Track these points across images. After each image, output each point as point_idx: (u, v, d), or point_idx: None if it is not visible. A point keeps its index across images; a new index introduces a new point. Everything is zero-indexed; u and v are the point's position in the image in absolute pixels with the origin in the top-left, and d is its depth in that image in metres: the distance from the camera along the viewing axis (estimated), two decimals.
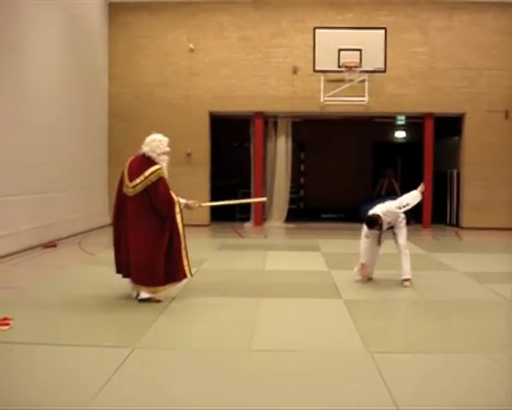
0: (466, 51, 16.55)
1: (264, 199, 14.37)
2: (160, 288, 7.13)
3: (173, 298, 7.33)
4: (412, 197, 8.89)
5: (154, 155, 7.27)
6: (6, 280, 8.86)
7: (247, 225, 17.23)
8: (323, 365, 5.01)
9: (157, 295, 7.15)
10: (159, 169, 7.16)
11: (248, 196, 17.82)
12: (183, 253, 7.22)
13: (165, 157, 7.34)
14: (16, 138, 11.23)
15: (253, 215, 17.37)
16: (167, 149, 7.39)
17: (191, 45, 16.74)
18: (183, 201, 7.37)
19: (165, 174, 7.23)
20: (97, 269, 9.72)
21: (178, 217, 7.20)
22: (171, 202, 7.16)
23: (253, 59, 16.86)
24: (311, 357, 5.20)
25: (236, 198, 18.82)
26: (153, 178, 7.11)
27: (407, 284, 8.25)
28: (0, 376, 4.69)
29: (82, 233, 14.38)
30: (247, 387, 4.53)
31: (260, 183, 17.36)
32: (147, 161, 7.27)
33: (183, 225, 7.27)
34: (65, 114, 13.67)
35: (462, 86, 16.53)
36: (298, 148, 19.87)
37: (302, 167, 20.72)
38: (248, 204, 17.55)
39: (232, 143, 20.19)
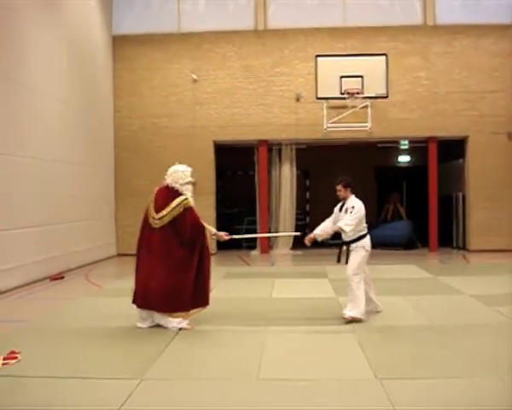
0: (467, 75, 16.65)
1: (297, 234, 14.03)
2: (190, 312, 7.24)
3: (180, 328, 7.32)
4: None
5: (177, 186, 7.44)
6: (13, 313, 8.89)
7: (254, 252, 17.21)
8: (332, 393, 4.98)
9: (186, 324, 7.23)
10: (185, 200, 7.30)
11: (254, 224, 17.84)
12: (209, 281, 7.39)
13: (189, 187, 7.50)
14: (23, 171, 11.33)
15: (259, 243, 17.37)
16: (190, 178, 7.55)
17: (194, 76, 16.91)
18: (212, 230, 7.47)
19: (192, 203, 7.35)
20: (104, 301, 9.74)
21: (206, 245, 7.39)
22: (200, 230, 7.31)
23: (256, 88, 17.01)
24: (320, 385, 5.18)
25: (242, 225, 18.90)
26: (180, 209, 7.23)
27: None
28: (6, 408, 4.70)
29: (89, 264, 14.42)
30: None
31: (266, 210, 17.39)
32: (172, 193, 7.41)
33: (209, 255, 7.46)
34: (71, 147, 13.80)
35: (465, 109, 16.60)
36: (302, 174, 19.93)
37: (307, 194, 20.75)
38: (254, 233, 17.56)
39: (237, 171, 20.26)
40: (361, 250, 7.68)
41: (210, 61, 17.08)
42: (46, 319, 8.25)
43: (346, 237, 7.66)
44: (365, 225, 7.80)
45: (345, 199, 7.75)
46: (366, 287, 7.77)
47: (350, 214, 7.57)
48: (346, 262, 7.67)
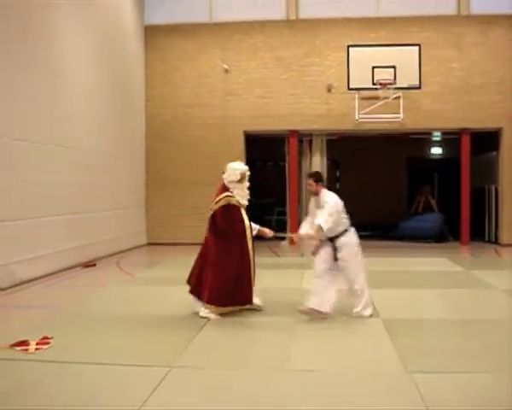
0: (501, 66, 16.38)
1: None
2: (221, 308, 7.35)
3: (208, 318, 7.37)
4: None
5: (226, 182, 7.66)
6: (46, 300, 9.02)
7: (284, 243, 17.20)
8: (362, 385, 4.98)
9: (214, 316, 7.33)
10: (226, 196, 7.50)
11: (284, 214, 17.83)
12: (251, 279, 7.48)
13: (238, 185, 7.61)
14: (56, 160, 11.50)
15: (289, 234, 17.32)
16: (238, 177, 7.64)
17: (226, 66, 16.93)
18: (255, 227, 7.48)
19: (234, 201, 7.50)
20: (136, 289, 9.85)
21: (249, 243, 7.47)
22: (231, 228, 7.44)
23: (287, 78, 16.96)
24: (349, 377, 5.17)
25: (272, 216, 18.92)
26: (219, 204, 7.46)
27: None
28: (42, 394, 4.78)
29: (120, 253, 14.57)
30: (282, 406, 4.53)
31: (296, 201, 17.36)
32: (222, 188, 7.67)
33: (254, 252, 7.54)
34: (103, 136, 13.94)
35: (498, 101, 16.34)
36: (333, 165, 19.86)
37: (337, 185, 20.68)
38: (284, 224, 17.58)
39: (267, 161, 20.26)
40: (351, 248, 7.46)
41: (241, 51, 17.07)
42: (78, 305, 8.36)
43: (328, 234, 7.25)
44: (346, 217, 7.45)
45: (317, 194, 7.45)
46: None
47: (325, 210, 7.14)
48: (335, 259, 7.37)
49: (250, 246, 7.48)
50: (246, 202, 7.67)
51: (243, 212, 7.57)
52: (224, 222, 7.41)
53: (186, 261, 13.37)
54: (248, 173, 7.81)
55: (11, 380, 5.09)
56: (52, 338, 6.22)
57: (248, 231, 7.48)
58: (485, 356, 5.76)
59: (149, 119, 17.30)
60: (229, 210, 7.44)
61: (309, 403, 4.57)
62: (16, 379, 5.11)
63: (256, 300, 7.73)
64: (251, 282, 7.50)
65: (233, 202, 7.49)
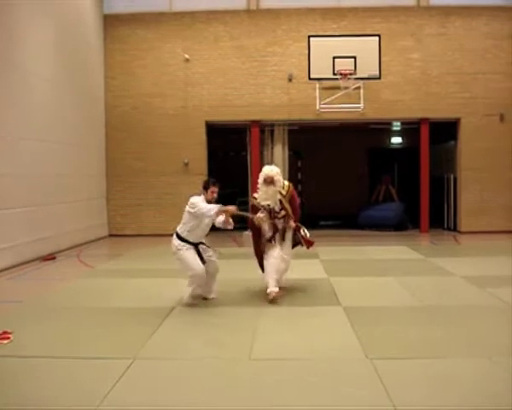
0: (460, 56, 16.63)
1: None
2: None
3: (173, 308, 7.36)
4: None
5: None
6: (5, 294, 8.88)
7: (246, 233, 17.18)
8: (323, 372, 5.03)
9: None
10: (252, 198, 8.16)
11: (246, 204, 17.83)
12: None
13: (263, 188, 7.92)
14: (12, 151, 11.27)
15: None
16: (260, 180, 7.97)
17: (187, 56, 16.80)
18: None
19: (255, 201, 8.05)
20: (97, 281, 9.75)
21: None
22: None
23: (248, 68, 16.92)
24: (311, 364, 5.22)
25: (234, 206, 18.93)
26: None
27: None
28: (3, 389, 4.70)
29: (81, 245, 14.40)
30: (247, 395, 4.55)
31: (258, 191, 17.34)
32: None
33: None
34: (62, 127, 13.72)
35: (457, 91, 16.59)
36: (295, 155, 19.91)
37: (299, 175, 20.76)
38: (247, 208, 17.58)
39: (229, 152, 20.21)
40: None
41: (202, 40, 16.96)
42: (38, 299, 8.25)
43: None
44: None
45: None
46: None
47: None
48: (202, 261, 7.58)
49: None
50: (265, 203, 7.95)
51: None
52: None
53: (147, 253, 13.38)
54: (266, 176, 7.96)
55: None
56: (12, 333, 6.12)
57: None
58: (446, 342, 5.88)
59: (109, 109, 17.08)
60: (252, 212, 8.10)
61: (271, 392, 4.60)
62: None
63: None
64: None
65: (252, 202, 8.17)
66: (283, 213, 8.00)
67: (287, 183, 8.19)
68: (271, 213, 7.96)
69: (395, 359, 5.35)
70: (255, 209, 8.02)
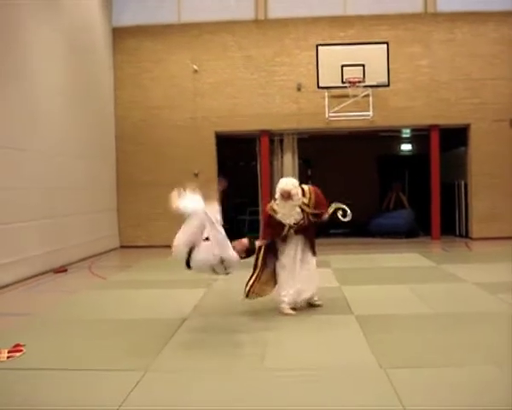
0: (468, 62, 16.60)
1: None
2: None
3: (185, 319, 7.36)
4: None
5: None
6: (17, 306, 8.92)
7: (258, 243, 17.19)
8: (336, 382, 5.00)
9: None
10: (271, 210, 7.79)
11: (256, 214, 17.86)
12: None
13: (281, 203, 7.68)
14: (25, 165, 11.34)
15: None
16: (277, 195, 7.75)
17: (195, 66, 16.88)
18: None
19: (269, 210, 7.80)
20: (109, 292, 9.77)
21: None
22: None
23: (257, 78, 16.97)
24: (324, 375, 5.18)
25: (244, 215, 18.94)
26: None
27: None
28: (16, 402, 4.71)
29: (92, 257, 14.45)
30: (260, 404, 4.53)
31: (268, 201, 17.32)
32: None
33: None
34: (72, 139, 13.79)
35: (466, 97, 16.55)
36: (304, 164, 19.91)
37: (309, 183, 20.71)
38: (256, 224, 17.60)
39: (239, 162, 20.25)
40: None
41: (210, 51, 17.03)
42: (50, 311, 8.27)
43: None
44: None
45: None
46: None
47: None
48: None
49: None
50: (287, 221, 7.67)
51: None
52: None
53: (158, 264, 13.39)
54: (283, 191, 7.73)
55: None
56: (24, 345, 6.14)
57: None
58: (459, 350, 5.83)
59: (119, 121, 17.17)
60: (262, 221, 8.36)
61: (284, 402, 4.58)
62: None
63: None
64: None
65: (267, 211, 7.92)
66: (301, 222, 7.65)
67: (307, 188, 7.91)
68: (292, 227, 7.65)
69: (408, 367, 5.32)
70: (273, 221, 7.69)
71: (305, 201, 7.71)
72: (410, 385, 4.84)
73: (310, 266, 7.79)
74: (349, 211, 8.14)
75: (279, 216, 7.63)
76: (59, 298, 9.30)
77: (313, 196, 7.81)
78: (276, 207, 7.73)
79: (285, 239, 7.71)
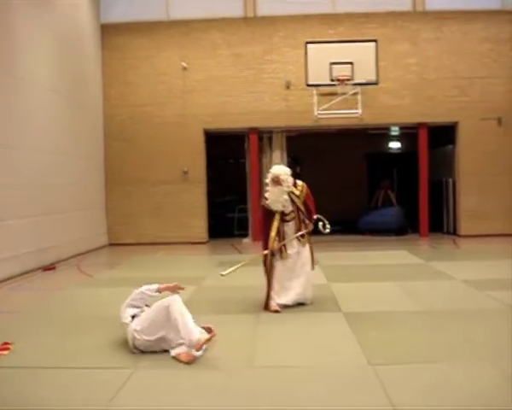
0: (457, 60, 16.68)
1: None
2: None
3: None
4: None
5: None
6: (5, 304, 8.87)
7: (246, 240, 17.23)
8: (325, 379, 5.00)
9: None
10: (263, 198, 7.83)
11: (245, 212, 17.87)
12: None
13: (270, 188, 7.71)
14: (13, 162, 11.28)
15: (251, 231, 17.39)
16: (268, 180, 7.76)
17: (184, 64, 16.84)
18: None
19: (263, 202, 7.82)
20: (96, 290, 9.73)
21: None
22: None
23: (246, 75, 16.96)
24: (313, 372, 5.20)
25: (233, 213, 18.94)
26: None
27: None
28: (3, 401, 4.68)
29: (81, 254, 14.40)
30: (250, 403, 4.52)
31: (257, 198, 17.37)
32: None
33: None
34: (60, 137, 13.73)
35: (455, 95, 16.63)
36: (293, 162, 19.90)
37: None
38: (245, 221, 17.64)
39: (228, 159, 20.24)
40: None
41: (199, 48, 17.01)
42: (38, 309, 8.23)
43: None
44: None
45: None
46: None
47: None
48: None
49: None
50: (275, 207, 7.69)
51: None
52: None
53: (147, 261, 13.37)
54: (273, 176, 7.74)
55: None
56: (12, 343, 6.10)
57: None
58: (448, 346, 5.85)
59: (108, 118, 17.11)
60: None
61: (272, 399, 4.58)
62: None
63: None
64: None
65: (261, 203, 7.90)
66: (293, 215, 7.74)
67: (300, 183, 7.91)
68: (282, 215, 7.70)
69: (397, 364, 5.33)
70: (265, 211, 7.73)
71: (297, 192, 7.77)
72: (399, 382, 4.85)
73: (305, 272, 7.87)
74: (328, 225, 8.14)
75: (268, 202, 7.68)
76: (47, 296, 9.26)
77: (305, 191, 7.86)
78: (266, 194, 7.78)
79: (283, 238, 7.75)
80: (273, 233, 7.62)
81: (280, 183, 7.62)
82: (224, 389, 4.85)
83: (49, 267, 12.17)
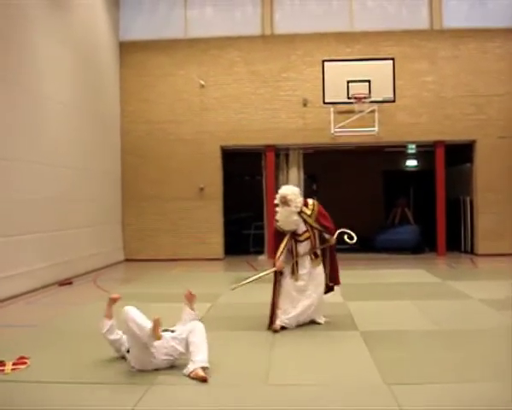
0: (474, 78, 16.63)
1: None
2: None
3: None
4: None
5: None
6: (22, 318, 8.91)
7: (262, 258, 17.20)
8: (340, 398, 4.98)
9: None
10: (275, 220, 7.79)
11: (262, 229, 17.86)
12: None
13: (278, 209, 7.74)
14: (31, 177, 11.39)
15: (266, 248, 17.36)
16: (277, 201, 7.77)
17: (202, 81, 16.95)
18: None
19: (276, 224, 7.78)
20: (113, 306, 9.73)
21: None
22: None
23: (263, 93, 17.03)
24: (328, 390, 5.17)
25: (250, 230, 18.94)
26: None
27: None
28: None
29: (97, 270, 14.44)
30: None
31: (273, 215, 17.31)
32: None
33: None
34: (78, 152, 13.85)
35: (472, 113, 16.56)
36: (310, 179, 19.92)
37: (315, 199, 20.70)
38: (261, 238, 17.63)
39: (244, 176, 20.28)
40: None
41: (217, 66, 17.12)
42: (55, 324, 8.28)
43: None
44: None
45: None
46: None
47: None
48: None
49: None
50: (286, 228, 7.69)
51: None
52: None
53: (162, 277, 13.39)
54: (280, 196, 7.77)
55: None
56: (29, 358, 6.13)
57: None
58: (464, 366, 5.80)
59: (125, 134, 17.24)
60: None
61: None
62: None
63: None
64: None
65: (275, 226, 7.83)
66: (307, 234, 7.67)
67: (311, 201, 7.86)
68: (293, 236, 7.66)
69: (413, 384, 5.28)
70: (276, 231, 7.73)
71: (308, 212, 7.70)
72: (415, 402, 4.80)
73: (318, 293, 7.77)
74: (354, 235, 8.09)
75: (279, 224, 7.66)
76: (63, 311, 9.30)
77: (316, 209, 7.77)
78: (276, 216, 7.75)
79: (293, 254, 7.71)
80: (279, 253, 7.59)
81: (288, 203, 7.57)
82: (239, 407, 4.83)
83: (66, 282, 12.23)
